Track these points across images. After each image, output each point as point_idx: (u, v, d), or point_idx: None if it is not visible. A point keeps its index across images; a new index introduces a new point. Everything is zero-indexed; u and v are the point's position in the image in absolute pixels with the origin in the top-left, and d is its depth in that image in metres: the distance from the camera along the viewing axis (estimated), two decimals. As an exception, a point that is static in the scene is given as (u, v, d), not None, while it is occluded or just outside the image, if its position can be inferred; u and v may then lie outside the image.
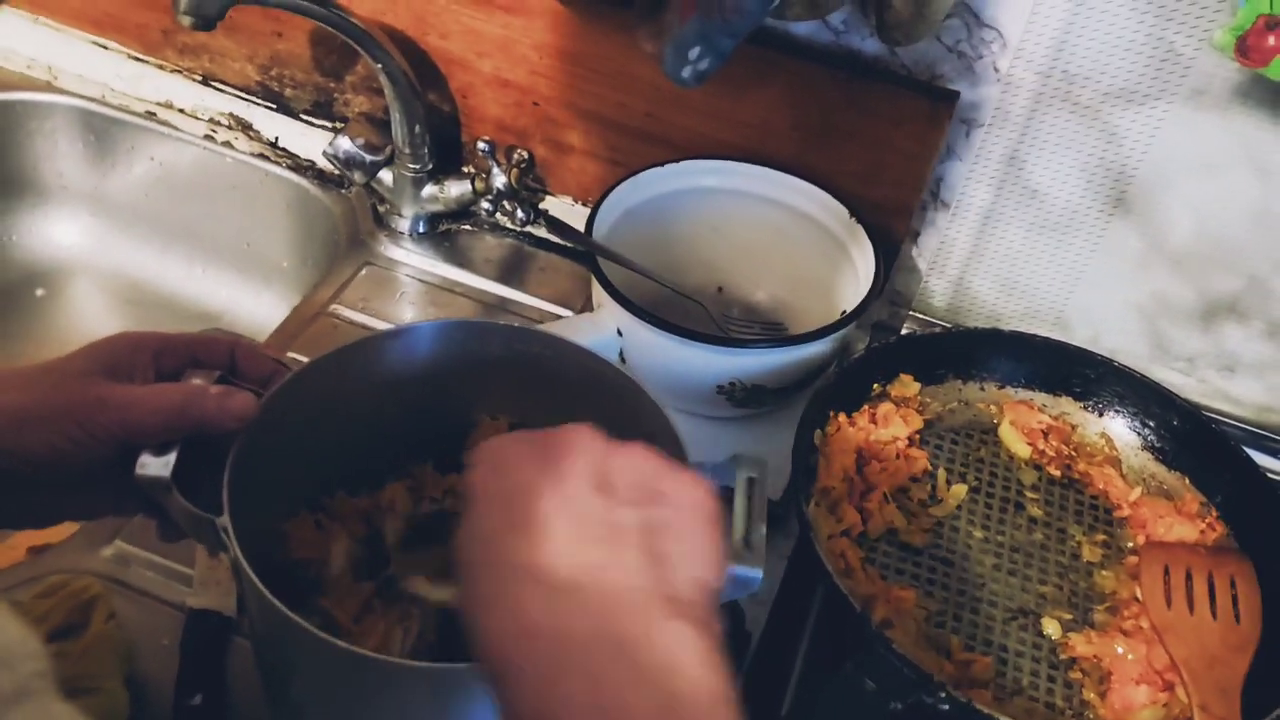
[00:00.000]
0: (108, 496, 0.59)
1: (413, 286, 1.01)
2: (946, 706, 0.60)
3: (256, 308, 1.15)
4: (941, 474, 0.82)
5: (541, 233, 1.04)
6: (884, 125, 0.88)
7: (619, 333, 0.81)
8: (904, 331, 0.98)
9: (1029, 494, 0.82)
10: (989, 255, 0.94)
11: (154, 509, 0.58)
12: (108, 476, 0.56)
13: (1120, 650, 0.70)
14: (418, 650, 0.61)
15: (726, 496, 0.59)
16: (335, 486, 0.69)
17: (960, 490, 0.81)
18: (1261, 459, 0.89)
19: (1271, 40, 0.66)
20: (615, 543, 0.44)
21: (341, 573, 0.65)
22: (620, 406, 0.66)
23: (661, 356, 0.81)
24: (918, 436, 0.83)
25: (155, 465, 0.55)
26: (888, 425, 0.81)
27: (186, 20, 0.80)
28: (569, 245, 1.01)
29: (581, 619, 0.42)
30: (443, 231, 1.05)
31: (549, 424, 0.72)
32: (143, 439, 0.55)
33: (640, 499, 0.46)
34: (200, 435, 0.57)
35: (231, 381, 0.60)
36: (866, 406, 0.83)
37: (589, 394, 0.68)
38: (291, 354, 0.91)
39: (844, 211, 0.89)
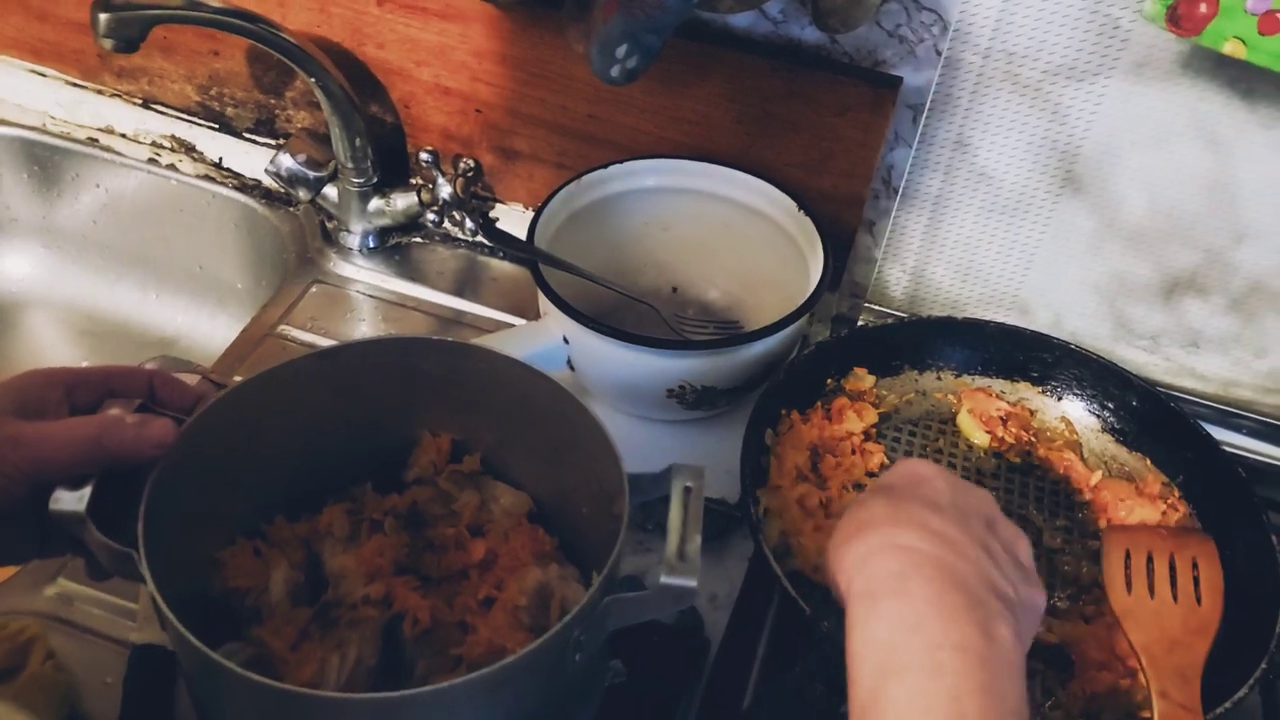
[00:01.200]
0: (32, 538, 0.58)
1: (364, 303, 1.00)
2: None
3: (213, 330, 1.13)
4: (899, 467, 0.80)
5: (494, 241, 1.03)
6: (828, 114, 0.86)
7: (565, 340, 0.80)
8: (861, 323, 0.96)
9: (989, 482, 0.80)
10: (943, 242, 0.92)
11: (80, 547, 0.57)
12: (28, 518, 0.55)
13: (1082, 637, 0.68)
14: (356, 675, 0.60)
15: (664, 507, 0.58)
16: (275, 512, 0.68)
17: (919, 482, 0.79)
18: (1228, 435, 0.88)
19: (1203, 8, 0.64)
20: (959, 520, 0.53)
21: (280, 600, 0.64)
22: (558, 420, 0.65)
23: (609, 362, 0.79)
24: (874, 430, 0.82)
25: (69, 500, 0.53)
26: (842, 421, 0.80)
27: (107, 44, 0.79)
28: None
29: (917, 543, 0.51)
30: (393, 245, 1.04)
31: (490, 441, 0.72)
32: (58, 474, 0.54)
33: (984, 521, 0.55)
34: (122, 466, 0.55)
35: (153, 410, 0.59)
36: (820, 403, 0.81)
37: (528, 408, 0.67)
38: (238, 377, 0.89)
39: (791, 204, 0.87)
